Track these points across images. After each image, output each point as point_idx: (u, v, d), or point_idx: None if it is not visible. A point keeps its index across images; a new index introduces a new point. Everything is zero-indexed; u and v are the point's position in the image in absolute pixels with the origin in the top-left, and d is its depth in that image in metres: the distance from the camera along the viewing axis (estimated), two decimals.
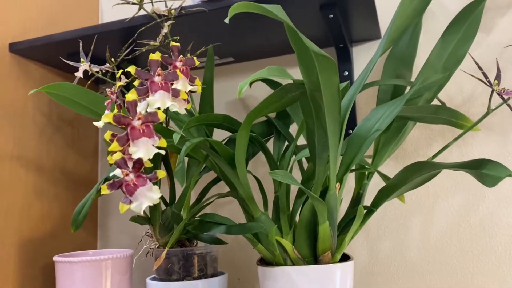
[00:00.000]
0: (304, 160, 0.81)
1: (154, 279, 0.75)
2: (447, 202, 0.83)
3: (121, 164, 0.45)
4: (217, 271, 0.77)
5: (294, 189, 0.79)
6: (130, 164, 0.45)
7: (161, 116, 0.48)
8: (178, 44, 0.56)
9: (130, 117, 0.46)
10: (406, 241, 0.84)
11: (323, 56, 0.48)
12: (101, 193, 0.47)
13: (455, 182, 0.82)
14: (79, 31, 0.82)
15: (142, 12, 0.95)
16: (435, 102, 0.80)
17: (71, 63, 0.70)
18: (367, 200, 0.72)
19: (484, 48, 0.83)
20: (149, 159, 0.47)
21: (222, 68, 1.01)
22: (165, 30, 0.69)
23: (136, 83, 0.52)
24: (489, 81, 0.66)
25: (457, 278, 0.80)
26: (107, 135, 0.46)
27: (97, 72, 0.68)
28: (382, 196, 0.65)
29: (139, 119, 0.46)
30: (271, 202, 0.72)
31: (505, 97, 0.64)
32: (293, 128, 0.88)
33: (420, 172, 0.61)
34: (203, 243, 0.76)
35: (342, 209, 0.70)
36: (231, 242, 0.95)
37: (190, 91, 0.55)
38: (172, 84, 0.51)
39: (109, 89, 0.58)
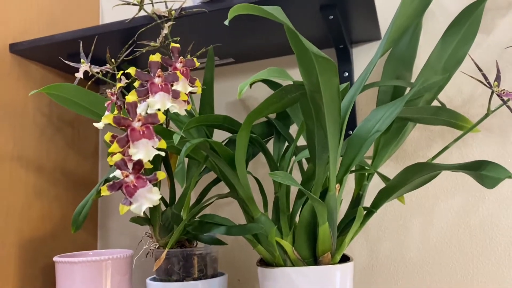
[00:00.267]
0: (304, 160, 0.81)
1: (154, 279, 0.75)
2: (447, 203, 0.83)
3: (121, 165, 0.45)
4: (217, 271, 0.77)
5: (294, 190, 0.79)
6: (130, 166, 0.45)
7: (161, 118, 0.48)
8: (178, 45, 0.56)
9: (130, 119, 0.46)
10: (406, 242, 0.84)
11: (323, 58, 0.48)
12: (101, 195, 0.47)
13: (455, 183, 0.82)
14: (80, 32, 0.83)
15: (142, 13, 0.95)
16: (435, 103, 0.80)
17: (71, 64, 0.70)
18: (367, 201, 0.72)
19: (484, 49, 0.83)
20: (149, 160, 0.47)
21: (222, 69, 1.01)
22: (165, 31, 0.70)
23: (136, 84, 0.52)
24: (489, 83, 0.66)
25: (456, 279, 0.81)
26: (107, 136, 0.46)
27: (97, 73, 0.68)
28: (382, 197, 0.65)
29: (139, 120, 0.46)
30: (271, 203, 0.72)
31: (505, 98, 0.64)
32: (293, 129, 0.88)
33: (420, 173, 0.61)
34: (203, 243, 0.76)
35: (342, 210, 0.70)
36: (231, 243, 0.95)
37: (190, 92, 0.55)
38: (172, 85, 0.51)
39: (109, 90, 0.58)
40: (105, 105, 0.59)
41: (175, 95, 0.50)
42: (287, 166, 0.73)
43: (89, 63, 0.69)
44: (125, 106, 0.46)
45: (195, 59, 0.56)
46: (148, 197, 0.45)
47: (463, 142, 0.82)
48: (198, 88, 0.56)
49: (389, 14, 0.89)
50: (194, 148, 0.62)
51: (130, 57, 0.74)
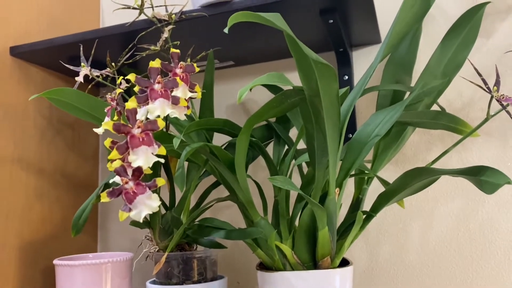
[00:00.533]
0: (303, 164, 0.81)
1: (153, 282, 0.76)
2: (447, 207, 0.83)
3: (121, 172, 0.45)
4: (216, 275, 0.77)
5: (293, 194, 0.79)
6: (129, 172, 0.46)
7: (161, 124, 0.48)
8: (178, 51, 0.56)
9: (130, 125, 0.46)
10: (406, 246, 0.84)
11: (322, 64, 0.48)
12: (101, 201, 0.47)
13: (454, 187, 0.82)
14: (80, 35, 0.83)
15: (142, 17, 0.95)
16: (434, 107, 0.80)
17: (71, 67, 0.70)
18: (367, 205, 0.72)
19: (483, 53, 0.83)
20: (148, 166, 0.47)
21: (222, 72, 1.02)
22: (165, 34, 0.70)
23: (136, 89, 0.53)
24: (488, 87, 0.66)
25: (456, 282, 0.81)
26: (107, 143, 0.46)
27: (98, 76, 0.68)
28: (381, 201, 0.65)
29: (138, 127, 0.46)
30: (271, 206, 0.72)
31: (504, 103, 0.64)
32: (293, 132, 0.88)
33: (420, 178, 0.61)
34: (203, 247, 0.76)
35: (342, 214, 0.70)
36: (230, 246, 0.95)
37: (190, 97, 0.55)
38: (172, 91, 0.51)
39: (109, 96, 0.58)
40: (105, 110, 0.59)
41: (175, 101, 0.51)
42: (287, 170, 0.73)
43: (89, 67, 0.69)
44: (125, 113, 0.46)
45: (195, 65, 0.56)
46: (148, 204, 0.46)
47: (463, 146, 0.82)
48: (198, 93, 0.56)
49: (389, 17, 0.89)
50: (194, 151, 0.62)
51: (130, 61, 0.74)
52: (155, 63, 0.52)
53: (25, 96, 0.90)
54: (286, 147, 0.77)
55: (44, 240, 0.92)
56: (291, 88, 0.56)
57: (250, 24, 0.77)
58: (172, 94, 0.51)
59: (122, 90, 0.57)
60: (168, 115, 0.52)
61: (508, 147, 0.80)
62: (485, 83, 0.66)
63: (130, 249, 1.05)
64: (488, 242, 0.79)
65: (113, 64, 0.71)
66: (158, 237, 0.76)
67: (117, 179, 0.46)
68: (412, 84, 0.80)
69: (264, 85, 0.83)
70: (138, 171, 0.46)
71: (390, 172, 0.86)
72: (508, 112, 0.65)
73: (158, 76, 0.51)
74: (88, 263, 0.73)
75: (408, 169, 0.84)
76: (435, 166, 0.81)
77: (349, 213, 0.70)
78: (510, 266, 0.78)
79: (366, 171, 0.69)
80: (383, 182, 0.72)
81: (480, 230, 0.80)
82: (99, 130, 0.58)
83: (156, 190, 0.54)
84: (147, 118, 0.49)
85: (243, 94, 0.50)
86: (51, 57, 0.90)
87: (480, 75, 0.66)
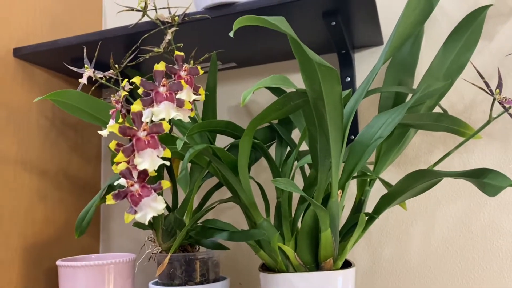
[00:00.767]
0: (306, 166, 0.81)
1: (156, 283, 0.76)
2: (449, 208, 0.83)
3: (126, 174, 0.45)
4: (219, 276, 0.78)
5: (296, 195, 0.79)
6: (135, 174, 0.46)
7: (166, 127, 0.49)
8: (182, 53, 0.57)
9: (135, 128, 0.47)
10: (408, 247, 0.84)
11: (326, 67, 0.49)
12: (107, 203, 0.47)
13: (456, 189, 0.83)
14: (83, 37, 0.83)
15: (145, 19, 0.96)
16: (437, 109, 0.80)
17: (75, 69, 0.71)
18: (369, 207, 0.72)
19: (486, 55, 0.83)
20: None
21: (224, 73, 1.02)
22: (168, 36, 0.70)
23: (140, 91, 0.53)
24: (490, 90, 0.66)
25: (458, 284, 0.81)
26: (112, 145, 0.46)
27: (101, 78, 0.69)
28: (384, 203, 0.65)
29: (144, 130, 0.47)
30: (273, 208, 0.72)
31: (507, 105, 0.65)
32: (295, 134, 0.88)
33: (422, 180, 0.61)
34: (205, 248, 0.76)
35: (344, 216, 0.70)
36: (233, 248, 0.96)
37: (194, 100, 0.56)
38: (176, 94, 0.51)
39: (113, 98, 0.58)
40: (110, 113, 0.59)
41: (180, 104, 0.51)
42: (289, 172, 0.73)
43: (93, 68, 0.70)
44: (130, 115, 0.46)
45: (199, 67, 0.57)
46: (153, 206, 0.46)
47: (465, 148, 0.83)
48: (201, 96, 0.56)
49: (391, 19, 0.89)
50: (197, 153, 0.63)
51: (134, 63, 0.74)
52: (160, 66, 0.52)
53: (28, 98, 0.90)
54: (289, 148, 0.78)
55: (47, 241, 0.92)
56: (294, 90, 0.56)
57: (253, 26, 0.77)
58: (177, 96, 0.51)
59: (127, 93, 0.57)
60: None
61: (510, 149, 0.80)
62: (487, 85, 0.66)
63: (132, 250, 1.05)
64: (490, 244, 0.80)
65: (116, 66, 0.71)
66: (161, 238, 0.76)
67: (122, 181, 0.46)
68: (414, 86, 0.80)
69: (267, 87, 0.83)
70: (143, 173, 0.46)
71: (392, 173, 0.86)
72: (510, 114, 0.65)
73: (163, 79, 0.51)
74: (91, 264, 0.73)
75: (410, 171, 0.84)
76: (437, 168, 0.81)
77: (352, 214, 0.70)
78: None
79: (368, 173, 0.70)
80: (386, 184, 0.72)
81: (482, 232, 0.80)
82: (103, 132, 0.58)
83: (161, 194, 0.54)
84: (151, 121, 0.50)
85: (246, 97, 0.50)
86: (55, 59, 0.90)
87: (482, 77, 0.67)
